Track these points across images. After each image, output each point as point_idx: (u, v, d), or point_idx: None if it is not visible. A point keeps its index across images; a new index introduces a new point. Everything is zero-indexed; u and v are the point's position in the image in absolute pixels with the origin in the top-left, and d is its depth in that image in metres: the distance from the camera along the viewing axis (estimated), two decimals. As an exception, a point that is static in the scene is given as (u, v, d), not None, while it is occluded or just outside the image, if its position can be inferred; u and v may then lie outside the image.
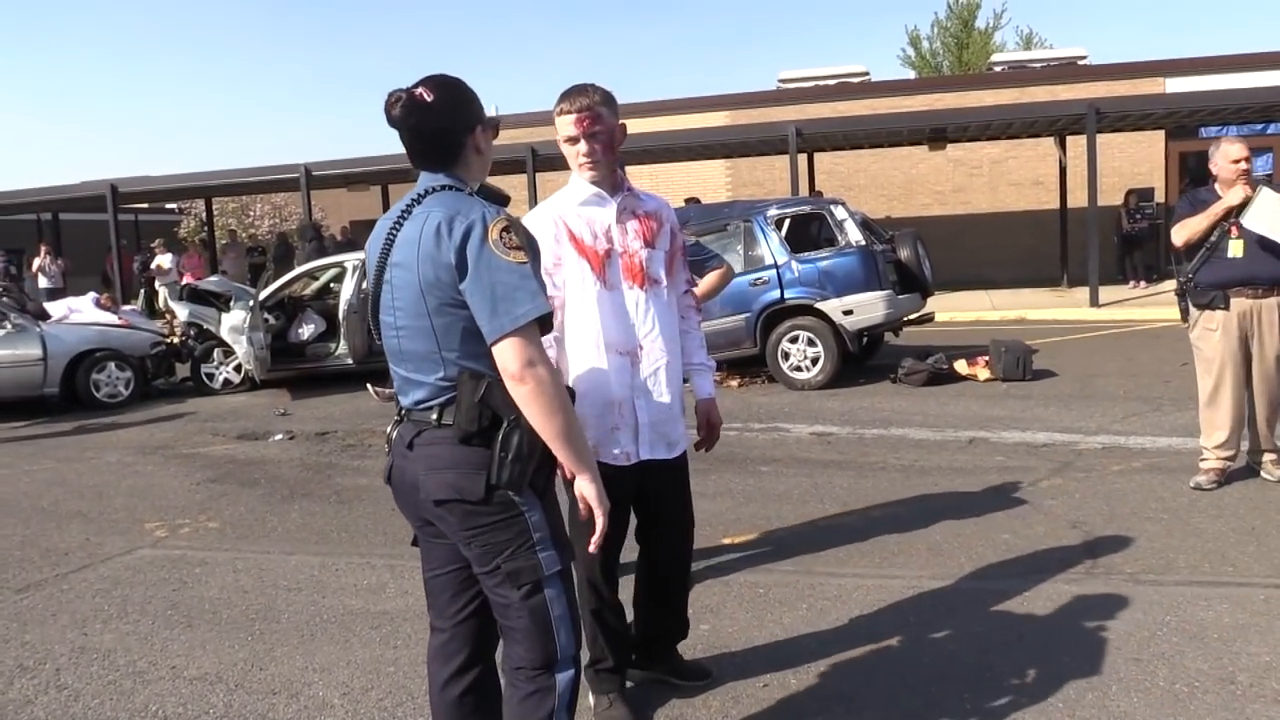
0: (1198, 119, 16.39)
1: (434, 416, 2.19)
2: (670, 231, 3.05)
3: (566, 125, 2.83)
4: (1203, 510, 4.94)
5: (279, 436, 8.25)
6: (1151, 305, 14.20)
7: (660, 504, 3.09)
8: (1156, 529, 4.69)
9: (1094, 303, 14.42)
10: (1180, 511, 4.94)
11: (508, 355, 2.06)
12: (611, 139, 2.87)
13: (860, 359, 10.15)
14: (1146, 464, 5.94)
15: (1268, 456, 5.37)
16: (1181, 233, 5.24)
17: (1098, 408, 7.64)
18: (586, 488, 2.18)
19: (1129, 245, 16.89)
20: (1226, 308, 5.18)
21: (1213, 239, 5.16)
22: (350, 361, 10.83)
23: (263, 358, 10.33)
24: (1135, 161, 18.84)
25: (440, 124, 2.22)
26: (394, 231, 2.22)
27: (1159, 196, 18.55)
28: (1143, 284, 16.37)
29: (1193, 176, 19.39)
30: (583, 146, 2.84)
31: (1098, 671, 3.26)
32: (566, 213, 2.92)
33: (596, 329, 2.88)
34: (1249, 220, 5.05)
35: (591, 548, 2.25)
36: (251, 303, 10.53)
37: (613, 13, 70.89)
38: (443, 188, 2.21)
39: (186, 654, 3.80)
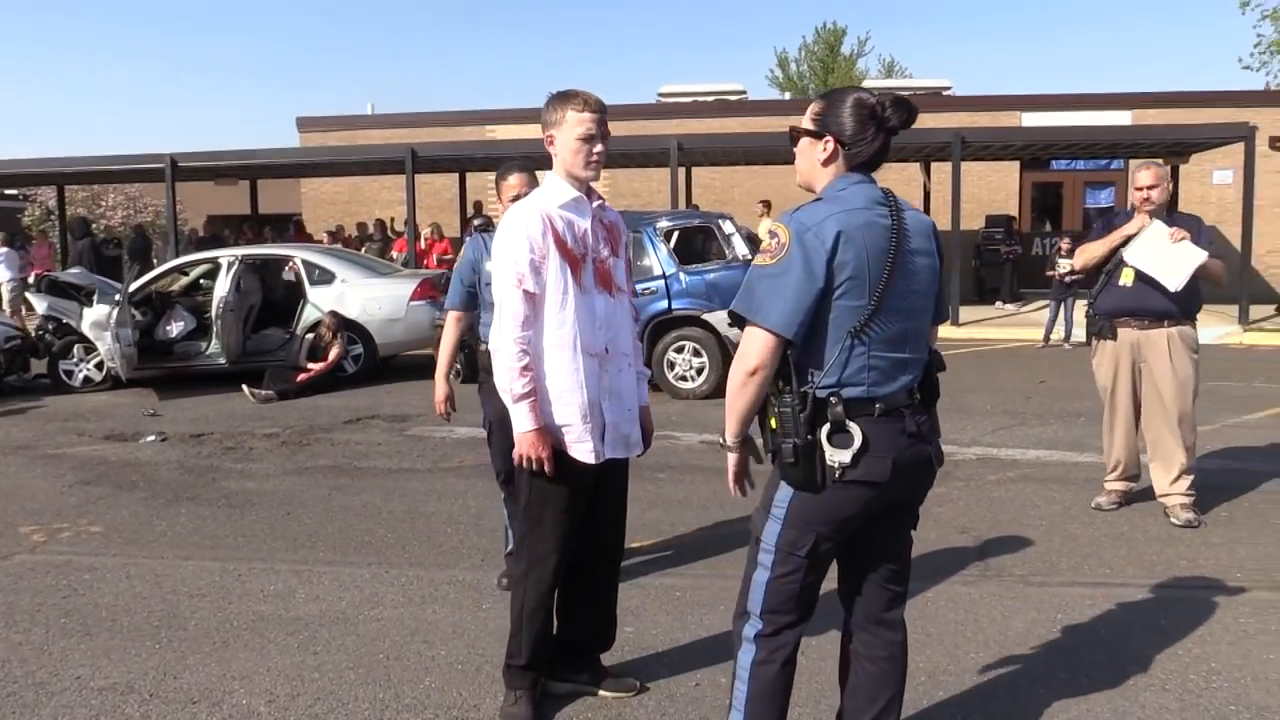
0: (1051, 152, 17.48)
1: (916, 395, 2.44)
2: (626, 244, 3.14)
3: (585, 123, 2.89)
4: (1075, 517, 5.30)
5: (151, 438, 7.89)
6: (1009, 325, 15.04)
7: (609, 502, 3.16)
8: (1038, 534, 5.01)
9: (955, 321, 15.17)
10: (1056, 518, 5.29)
11: (936, 332, 2.58)
12: None
13: (742, 370, 10.40)
14: (1019, 474, 6.31)
15: (1175, 499, 5.15)
16: (1080, 257, 5.32)
17: (969, 421, 8.06)
18: None
19: (991, 268, 17.87)
20: (1114, 338, 5.19)
21: (1110, 266, 5.15)
22: (222, 361, 10.47)
23: (129, 355, 9.81)
24: (993, 189, 19.94)
25: None
26: (897, 221, 2.37)
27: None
28: (1001, 305, 17.32)
29: (1042, 206, 20.74)
30: (598, 146, 2.92)
31: (1005, 666, 3.49)
32: (551, 212, 2.96)
33: (574, 331, 2.92)
34: (1129, 254, 5.04)
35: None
36: (118, 297, 10.01)
37: (486, 18, 70.46)
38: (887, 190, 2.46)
39: (90, 664, 3.63)
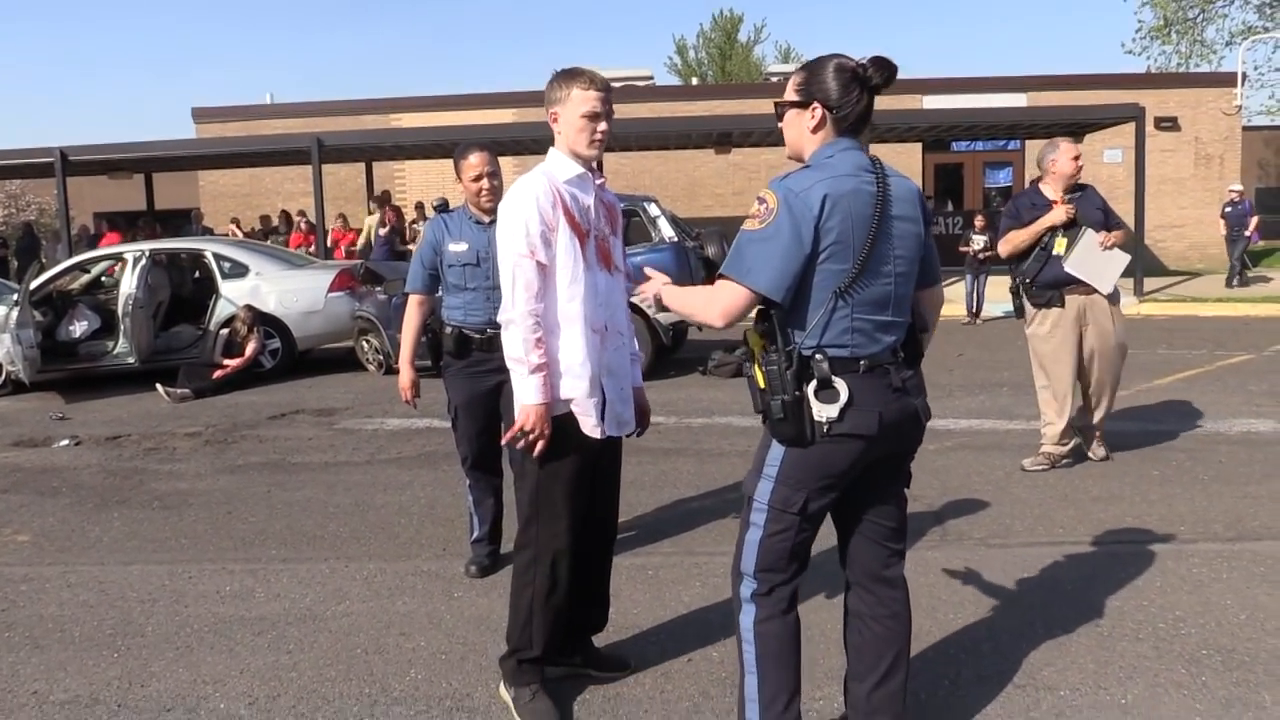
0: (953, 134, 17.95)
1: (900, 354, 2.48)
2: (621, 224, 3.10)
3: (590, 101, 2.82)
4: (1019, 481, 5.47)
5: (65, 442, 7.51)
6: (919, 302, 15.45)
7: (606, 482, 3.11)
8: (987, 499, 5.14)
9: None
10: (1001, 483, 5.44)
11: (941, 295, 2.67)
12: None
13: (669, 352, 10.43)
14: (956, 443, 6.47)
15: (1096, 439, 5.71)
16: (1005, 247, 5.60)
17: (900, 394, 8.22)
18: None
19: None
20: (1063, 305, 5.47)
21: (1043, 241, 5.47)
22: (132, 361, 10.02)
23: (32, 357, 9.30)
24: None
25: None
26: (883, 189, 2.39)
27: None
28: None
29: (943, 186, 21.33)
30: (602, 125, 2.85)
31: (985, 624, 3.57)
32: (559, 185, 2.89)
33: (581, 305, 2.86)
34: (1070, 264, 5.39)
35: None
36: (16, 297, 9.50)
37: (387, 4, 68.97)
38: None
39: (46, 677, 3.42)
